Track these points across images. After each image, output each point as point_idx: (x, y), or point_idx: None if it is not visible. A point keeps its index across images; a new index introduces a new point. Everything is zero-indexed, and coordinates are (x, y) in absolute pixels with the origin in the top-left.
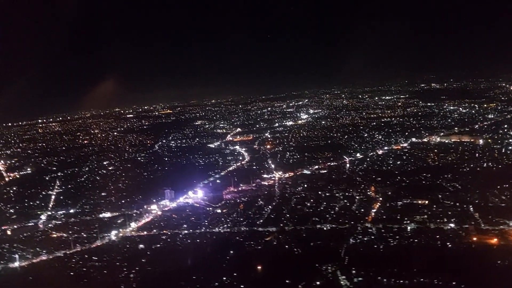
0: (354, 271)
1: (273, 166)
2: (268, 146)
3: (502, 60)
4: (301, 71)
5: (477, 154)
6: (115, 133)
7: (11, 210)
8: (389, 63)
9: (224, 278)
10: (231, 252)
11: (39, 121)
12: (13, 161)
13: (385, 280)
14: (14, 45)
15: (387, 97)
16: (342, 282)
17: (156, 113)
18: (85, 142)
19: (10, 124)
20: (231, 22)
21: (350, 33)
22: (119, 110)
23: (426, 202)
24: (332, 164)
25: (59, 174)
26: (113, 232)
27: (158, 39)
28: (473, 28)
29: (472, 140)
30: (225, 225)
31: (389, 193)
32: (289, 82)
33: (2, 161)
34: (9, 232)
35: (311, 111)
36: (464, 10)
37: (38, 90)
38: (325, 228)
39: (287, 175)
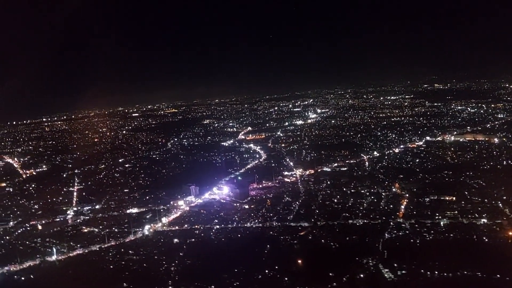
0: (395, 265)
1: (291, 163)
2: (283, 145)
3: (504, 61)
4: (303, 71)
5: (494, 152)
6: (124, 132)
7: (36, 206)
8: (390, 64)
9: (267, 271)
10: (268, 246)
11: (44, 119)
12: (26, 159)
13: (428, 273)
14: (18, 43)
15: (392, 97)
16: (386, 275)
17: (162, 112)
18: (96, 140)
19: (15, 122)
20: (233, 23)
21: (351, 34)
22: (123, 109)
23: (454, 198)
24: (351, 161)
25: (76, 171)
26: (146, 227)
27: (160, 39)
28: (474, 29)
29: (487, 139)
30: (256, 221)
31: (414, 189)
32: (291, 82)
33: (15, 159)
34: (39, 227)
35: (319, 110)
36: (465, 12)
37: (41, 89)
38: (357, 224)
39: (307, 172)
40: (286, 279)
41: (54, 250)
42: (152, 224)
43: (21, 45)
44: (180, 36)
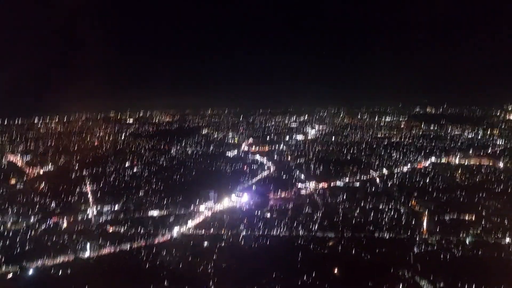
0: (432, 278)
1: (302, 176)
2: (289, 158)
3: (493, 89)
4: (295, 89)
5: (502, 176)
6: (122, 137)
7: (52, 204)
8: (381, 86)
9: (305, 278)
10: (300, 254)
11: (35, 121)
12: (28, 158)
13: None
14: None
15: (387, 119)
16: (425, 287)
17: (156, 120)
18: (96, 143)
19: (5, 122)
20: (225, 37)
21: (343, 54)
22: (113, 116)
23: (473, 218)
24: (362, 178)
25: (83, 173)
26: (175, 229)
27: (150, 48)
28: (464, 55)
29: (491, 163)
30: (281, 229)
31: (432, 207)
32: (284, 98)
33: (17, 158)
34: (65, 224)
35: (316, 127)
36: (455, 38)
37: (29, 90)
38: (384, 237)
39: (321, 185)
40: (326, 286)
41: (88, 246)
42: (178, 227)
43: (7, 45)
44: (173, 46)
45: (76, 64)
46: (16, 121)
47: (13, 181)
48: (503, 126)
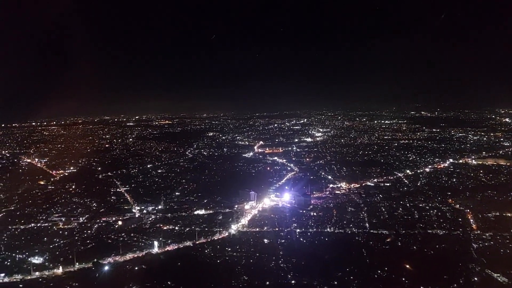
0: (502, 271)
1: (329, 177)
2: (307, 159)
3: (483, 93)
4: (288, 92)
5: None
6: (131, 140)
7: (94, 204)
8: (374, 90)
9: (379, 271)
10: (363, 250)
11: (34, 124)
12: (45, 160)
13: None
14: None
15: (386, 122)
16: (499, 279)
17: (156, 123)
18: (107, 146)
19: (3, 125)
20: (221, 39)
21: (332, 59)
22: (109, 118)
23: None
24: (390, 178)
25: (109, 173)
26: (232, 227)
27: (144, 51)
28: (453, 60)
29: (508, 164)
30: (333, 226)
31: (471, 205)
32: (277, 101)
33: (35, 160)
34: (120, 223)
35: (321, 129)
36: (446, 44)
37: (22, 97)
38: (438, 233)
39: (352, 185)
40: (403, 279)
41: (155, 243)
42: (232, 225)
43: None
44: (166, 50)
45: (68, 68)
46: (16, 124)
47: (42, 182)
48: (504, 129)
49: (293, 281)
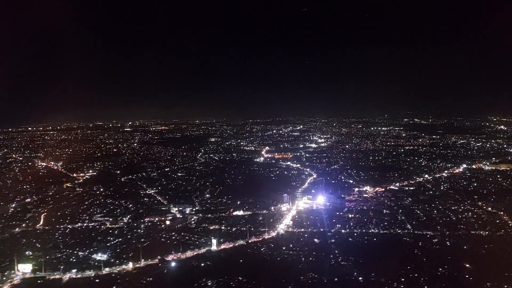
0: None
1: (351, 181)
2: (321, 164)
3: (473, 101)
4: (278, 99)
5: None
6: (135, 144)
7: (130, 205)
8: (364, 97)
9: (441, 269)
10: (415, 250)
11: (29, 129)
12: (61, 163)
13: None
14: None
15: (384, 128)
16: None
17: (153, 128)
18: (114, 150)
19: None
20: (213, 45)
21: (322, 66)
22: (102, 124)
23: None
24: (411, 182)
25: (130, 176)
26: (281, 227)
27: (130, 56)
28: (445, 68)
29: None
30: (376, 228)
31: (502, 208)
32: (269, 108)
33: (52, 163)
34: (167, 223)
35: (321, 135)
36: (432, 53)
37: (18, 103)
38: (481, 234)
39: (377, 189)
40: (467, 276)
41: (214, 241)
42: (277, 225)
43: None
44: (158, 57)
45: (60, 73)
46: (12, 129)
47: (69, 184)
48: (503, 136)
49: (360, 278)
